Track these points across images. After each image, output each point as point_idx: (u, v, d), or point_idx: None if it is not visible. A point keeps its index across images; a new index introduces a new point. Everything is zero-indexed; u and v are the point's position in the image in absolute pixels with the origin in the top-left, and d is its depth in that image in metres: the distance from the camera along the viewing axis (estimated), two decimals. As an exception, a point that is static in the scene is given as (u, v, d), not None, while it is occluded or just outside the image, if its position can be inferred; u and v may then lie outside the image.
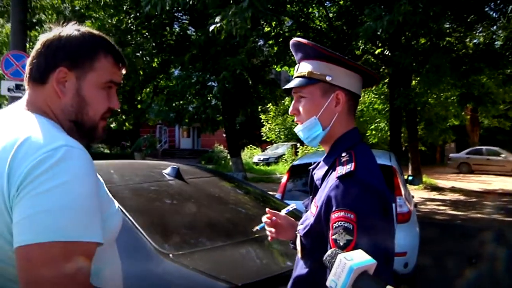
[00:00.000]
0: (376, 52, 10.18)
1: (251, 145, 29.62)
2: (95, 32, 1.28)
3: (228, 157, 14.93)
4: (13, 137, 1.10)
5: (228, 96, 11.29)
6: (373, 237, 1.29)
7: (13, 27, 9.00)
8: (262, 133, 26.67)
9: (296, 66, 1.58)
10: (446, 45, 12.03)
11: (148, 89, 14.93)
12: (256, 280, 2.11)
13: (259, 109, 14.20)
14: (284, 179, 5.87)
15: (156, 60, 12.04)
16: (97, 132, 1.28)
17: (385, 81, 13.25)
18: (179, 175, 3.24)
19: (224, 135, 13.30)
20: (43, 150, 1.05)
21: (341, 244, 1.28)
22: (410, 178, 7.29)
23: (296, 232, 1.55)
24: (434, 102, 17.17)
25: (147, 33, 11.29)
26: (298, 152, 23.45)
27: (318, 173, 1.51)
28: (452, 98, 16.05)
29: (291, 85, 1.54)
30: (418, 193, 13.94)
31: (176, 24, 12.98)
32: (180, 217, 2.77)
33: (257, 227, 1.78)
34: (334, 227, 1.31)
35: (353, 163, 1.36)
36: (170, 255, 2.27)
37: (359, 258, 0.99)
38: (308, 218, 1.48)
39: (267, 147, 28.48)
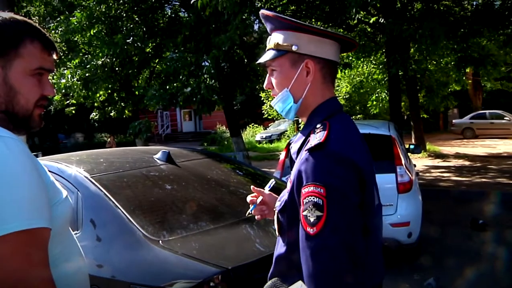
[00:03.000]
0: (371, 21, 9.96)
1: (253, 124, 29.54)
2: (19, 17, 1.23)
3: (231, 137, 14.79)
4: None
5: (223, 75, 11.14)
6: (346, 212, 1.23)
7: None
8: (263, 111, 26.54)
9: (268, 39, 1.51)
10: (444, 9, 11.76)
11: (145, 74, 14.80)
12: (247, 262, 2.07)
13: (258, 87, 14.06)
14: (282, 155, 5.81)
15: (150, 44, 11.89)
16: (33, 120, 1.25)
17: (383, 50, 13.02)
18: (170, 159, 3.18)
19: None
20: None
21: (311, 220, 1.22)
22: (412, 146, 7.19)
23: (274, 209, 1.49)
24: (434, 69, 16.93)
25: (137, 18, 11.10)
26: (300, 127, 23.35)
27: (294, 147, 1.44)
28: (452, 63, 15.82)
29: (262, 59, 1.48)
30: (422, 161, 13.87)
31: (167, 7, 12.79)
32: (170, 202, 2.72)
33: (249, 211, 1.71)
34: (304, 202, 1.24)
35: (324, 134, 1.28)
36: (160, 241, 2.24)
37: None
38: (284, 194, 1.43)
39: (269, 125, 28.38)
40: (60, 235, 1.21)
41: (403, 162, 5.07)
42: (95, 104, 15.33)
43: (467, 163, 13.83)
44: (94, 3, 10.75)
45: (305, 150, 1.29)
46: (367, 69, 18.03)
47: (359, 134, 1.42)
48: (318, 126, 1.35)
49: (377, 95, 17.55)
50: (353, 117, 20.42)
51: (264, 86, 1.52)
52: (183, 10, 12.27)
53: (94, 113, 16.82)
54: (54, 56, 1.28)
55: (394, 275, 4.43)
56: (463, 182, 10.63)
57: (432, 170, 12.55)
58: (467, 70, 16.14)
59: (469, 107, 25.52)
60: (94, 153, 3.64)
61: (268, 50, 1.47)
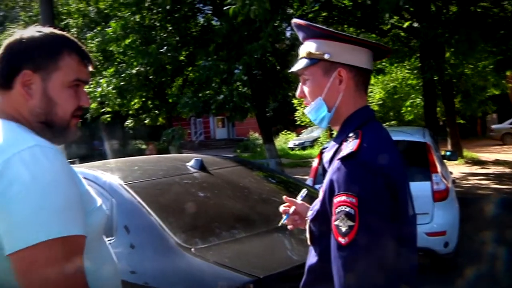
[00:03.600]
0: (405, 26, 9.78)
1: (285, 131, 29.48)
2: (58, 31, 1.29)
3: (264, 144, 14.80)
4: None
5: (255, 82, 11.17)
6: (378, 222, 1.21)
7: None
8: (296, 118, 26.46)
9: (300, 48, 1.51)
10: (481, 11, 11.41)
11: (178, 82, 15.02)
12: (279, 271, 2.06)
13: (291, 94, 14.03)
14: (315, 163, 5.77)
15: (183, 53, 12.06)
16: (70, 130, 1.29)
17: (417, 55, 12.76)
18: (203, 166, 3.21)
19: (258, 123, 13.19)
20: (13, 151, 1.08)
21: (343, 230, 1.21)
22: (448, 153, 7.01)
23: (306, 218, 1.48)
24: (471, 73, 16.44)
25: (170, 28, 11.30)
26: (333, 134, 23.12)
27: (326, 156, 1.43)
28: (490, 66, 15.32)
29: (294, 68, 1.48)
30: (458, 168, 13.48)
31: (200, 15, 12.96)
32: (203, 210, 2.74)
33: (282, 221, 1.71)
34: (336, 212, 1.24)
35: (356, 143, 1.27)
36: (192, 249, 2.25)
37: None
38: (316, 203, 1.42)
39: (301, 131, 28.25)
40: (94, 242, 1.24)
41: (438, 169, 4.94)
42: (130, 112, 15.64)
43: (507, 170, 13.35)
44: (129, 13, 11.00)
45: (337, 159, 1.29)
46: (401, 74, 17.72)
47: (393, 142, 1.40)
48: (350, 135, 1.34)
49: (411, 100, 17.21)
50: (387, 123, 20.08)
51: (297, 94, 1.53)
52: (216, 19, 12.40)
53: (129, 121, 17.18)
54: (90, 68, 1.32)
55: (430, 285, 4.31)
56: (503, 190, 10.26)
57: (470, 178, 12.18)
58: (507, 73, 15.61)
59: (510, 112, 24.63)
60: (129, 161, 3.71)
61: (300, 59, 1.48)
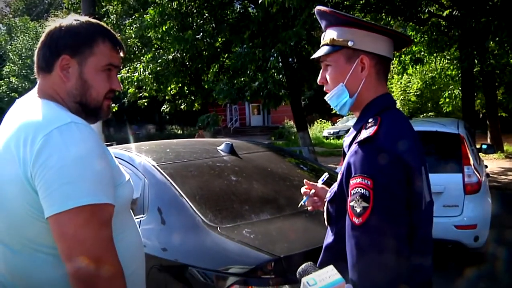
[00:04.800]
0: (445, 14, 9.47)
1: (321, 119, 29.33)
2: (93, 20, 1.40)
3: (299, 132, 14.77)
4: (25, 120, 1.25)
5: (290, 70, 11.14)
6: (392, 205, 1.26)
7: (84, 20, 9.52)
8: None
9: (322, 35, 1.55)
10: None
11: (214, 69, 15.15)
12: (299, 251, 2.13)
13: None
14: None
15: (219, 39, 12.15)
16: (102, 110, 1.42)
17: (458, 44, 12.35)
18: (233, 150, 3.30)
19: (294, 111, 13.16)
20: (52, 127, 1.20)
21: (358, 211, 1.26)
22: (484, 146, 6.83)
23: (325, 200, 1.54)
24: (517, 64, 15.81)
25: (207, 14, 11.39)
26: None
27: (346, 140, 1.49)
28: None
29: (316, 54, 1.53)
30: (498, 163, 13.09)
31: (236, 3, 13.00)
32: (230, 192, 2.83)
33: (302, 202, 1.79)
34: (352, 193, 1.29)
35: (374, 128, 1.32)
36: (218, 228, 2.35)
37: (324, 281, 0.97)
38: (335, 186, 1.48)
39: (337, 120, 28.06)
40: (121, 214, 1.35)
41: (471, 162, 4.86)
42: (166, 97, 15.91)
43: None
44: (166, 0, 11.15)
45: (355, 143, 1.35)
46: (440, 64, 17.21)
47: (412, 130, 1.44)
48: (370, 120, 1.39)
49: (449, 92, 16.71)
50: (424, 114, 19.60)
51: (318, 81, 1.57)
52: (252, 6, 12.40)
53: (165, 106, 17.48)
54: (121, 54, 1.43)
55: (455, 278, 4.28)
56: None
57: (509, 173, 11.80)
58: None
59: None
60: (162, 144, 3.85)
61: (322, 45, 1.52)
